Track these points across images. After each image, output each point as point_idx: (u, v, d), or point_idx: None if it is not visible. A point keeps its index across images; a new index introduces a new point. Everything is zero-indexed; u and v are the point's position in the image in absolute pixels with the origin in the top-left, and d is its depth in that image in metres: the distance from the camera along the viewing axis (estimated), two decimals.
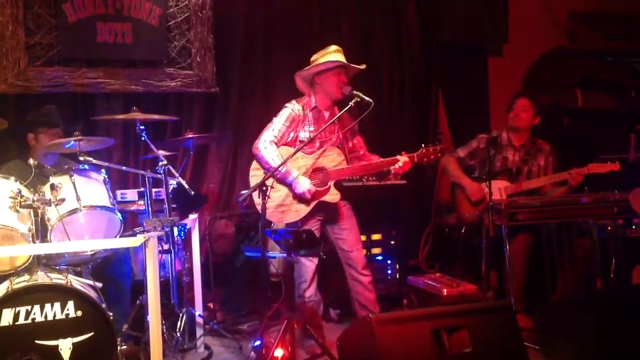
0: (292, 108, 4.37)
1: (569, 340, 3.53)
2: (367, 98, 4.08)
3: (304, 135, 4.34)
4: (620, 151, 5.53)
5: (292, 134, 4.38)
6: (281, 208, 4.28)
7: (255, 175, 4.32)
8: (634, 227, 4.76)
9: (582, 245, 4.72)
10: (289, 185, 4.25)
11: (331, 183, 4.23)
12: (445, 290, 4.73)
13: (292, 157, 4.13)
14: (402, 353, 3.12)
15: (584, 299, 4.03)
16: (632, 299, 3.58)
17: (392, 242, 5.42)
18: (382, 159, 4.24)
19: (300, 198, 4.25)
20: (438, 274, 5.26)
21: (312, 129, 4.33)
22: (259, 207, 4.04)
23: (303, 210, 4.27)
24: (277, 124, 4.35)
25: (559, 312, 3.75)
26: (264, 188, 3.83)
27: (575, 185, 4.75)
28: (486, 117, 6.42)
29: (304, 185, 4.21)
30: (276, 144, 4.31)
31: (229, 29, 5.54)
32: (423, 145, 4.14)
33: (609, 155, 4.93)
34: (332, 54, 4.31)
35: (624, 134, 5.76)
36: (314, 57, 4.38)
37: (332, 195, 4.24)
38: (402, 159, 4.10)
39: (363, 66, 4.36)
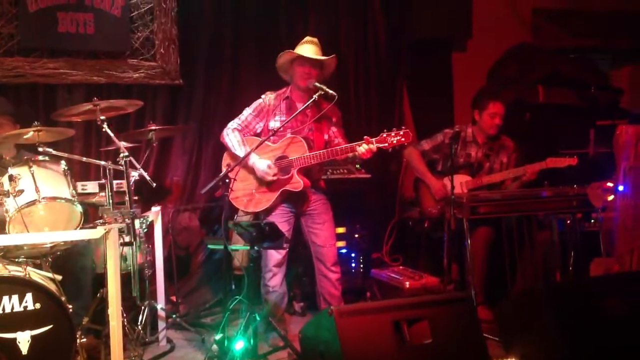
0: (264, 98, 4.43)
1: (528, 332, 3.57)
2: (330, 91, 4.10)
3: (274, 124, 4.34)
4: (581, 146, 5.62)
5: (261, 124, 4.41)
6: (250, 197, 4.33)
7: (225, 165, 4.40)
8: (592, 221, 4.85)
9: (541, 238, 4.80)
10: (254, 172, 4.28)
11: (294, 171, 4.23)
12: (407, 282, 4.76)
13: (259, 147, 4.16)
14: (363, 344, 3.13)
15: (544, 291, 4.08)
16: (590, 291, 3.63)
17: (356, 235, 5.45)
18: (342, 146, 4.24)
19: (266, 184, 4.27)
20: (401, 267, 5.30)
21: (283, 118, 4.33)
22: (231, 195, 4.14)
23: (270, 198, 4.28)
24: (246, 113, 4.43)
25: (519, 304, 3.79)
26: (227, 180, 3.85)
27: (527, 182, 4.84)
28: (450, 112, 6.46)
29: (262, 165, 4.23)
30: (240, 131, 4.38)
31: (195, 21, 5.50)
32: (385, 130, 4.13)
33: (570, 150, 5.02)
34: (302, 45, 4.33)
35: (584, 129, 5.85)
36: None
37: (295, 184, 4.23)
38: (363, 147, 4.09)
39: (320, 57, 4.30)
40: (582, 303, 3.44)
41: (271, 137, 4.26)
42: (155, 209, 4.63)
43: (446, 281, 4.67)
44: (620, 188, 4.28)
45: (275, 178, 4.22)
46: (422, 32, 6.19)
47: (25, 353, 3.27)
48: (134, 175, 4.19)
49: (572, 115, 6.20)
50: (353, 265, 5.44)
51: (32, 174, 3.59)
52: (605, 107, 6.30)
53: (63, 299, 3.47)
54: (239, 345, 3.68)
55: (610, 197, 4.36)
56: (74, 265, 4.10)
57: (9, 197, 3.49)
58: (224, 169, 4.35)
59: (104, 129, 3.94)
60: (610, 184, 4.36)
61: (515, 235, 4.58)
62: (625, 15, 6.69)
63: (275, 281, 4.34)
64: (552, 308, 3.48)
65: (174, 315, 4.64)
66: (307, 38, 4.38)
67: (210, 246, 5.21)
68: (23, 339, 3.28)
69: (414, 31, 6.19)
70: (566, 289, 3.81)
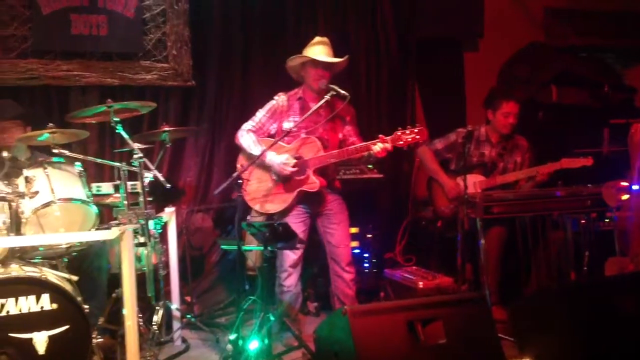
0: (277, 99, 4.43)
1: (543, 332, 3.56)
2: (342, 91, 4.13)
3: (287, 125, 4.34)
4: (594, 145, 5.59)
5: (274, 125, 4.42)
6: (265, 198, 4.33)
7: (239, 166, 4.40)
8: (606, 220, 4.83)
9: (555, 238, 4.78)
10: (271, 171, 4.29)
11: (309, 171, 4.23)
12: (421, 283, 4.75)
13: (273, 147, 4.18)
14: (377, 344, 3.13)
15: (558, 290, 4.07)
16: (604, 290, 3.62)
17: (369, 236, 5.44)
18: (358, 145, 4.24)
19: (282, 184, 4.27)
20: (414, 267, 5.28)
21: (296, 119, 4.33)
22: (247, 196, 4.24)
23: (286, 199, 4.28)
24: (259, 114, 4.43)
25: (533, 304, 3.78)
26: (240, 181, 3.87)
27: (540, 182, 4.83)
28: (462, 111, 6.45)
29: (279, 158, 4.24)
30: (254, 132, 4.38)
31: (206, 22, 5.52)
32: (399, 128, 4.14)
33: (583, 150, 5.00)
34: (313, 47, 4.32)
35: (598, 128, 5.82)
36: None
37: (311, 184, 4.23)
38: (378, 146, 4.10)
39: (333, 59, 4.31)
40: (597, 303, 3.43)
41: (285, 138, 4.26)
42: (169, 209, 4.66)
43: (460, 281, 4.66)
44: (635, 187, 4.26)
45: (294, 169, 4.22)
46: (432, 31, 6.19)
47: (42, 353, 3.29)
48: (148, 176, 4.21)
49: (586, 115, 6.19)
50: (366, 265, 5.43)
51: (47, 176, 3.61)
52: (618, 105, 6.28)
53: (79, 299, 3.50)
54: (253, 345, 3.69)
55: (625, 196, 4.34)
56: (90, 266, 4.12)
57: (24, 198, 3.50)
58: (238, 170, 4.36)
59: (117, 131, 3.97)
60: (624, 183, 4.34)
61: (529, 235, 4.56)
62: (635, 15, 6.66)
63: (290, 281, 4.35)
64: (567, 308, 3.48)
65: (188, 315, 4.65)
66: (318, 38, 4.37)
67: (223, 246, 5.23)
68: (40, 340, 3.30)
69: (424, 30, 6.18)
70: (580, 289, 3.79)
